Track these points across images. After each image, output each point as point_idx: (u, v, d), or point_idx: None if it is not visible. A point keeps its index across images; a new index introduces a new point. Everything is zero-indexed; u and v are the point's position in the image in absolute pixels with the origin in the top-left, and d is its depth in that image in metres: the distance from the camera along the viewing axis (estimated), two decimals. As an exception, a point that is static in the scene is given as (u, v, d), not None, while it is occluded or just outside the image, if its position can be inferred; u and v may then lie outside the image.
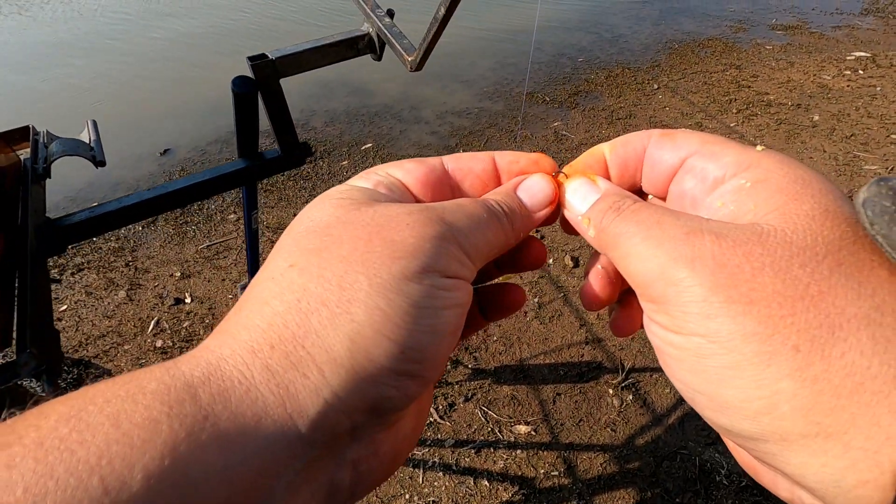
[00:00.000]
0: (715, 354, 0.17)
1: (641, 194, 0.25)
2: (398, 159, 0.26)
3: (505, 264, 0.27)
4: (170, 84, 3.51)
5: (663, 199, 0.24)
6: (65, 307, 1.98)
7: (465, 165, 0.25)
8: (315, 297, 0.18)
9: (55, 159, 0.61)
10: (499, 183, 0.26)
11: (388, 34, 0.61)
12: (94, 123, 0.73)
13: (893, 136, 2.78)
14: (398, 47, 0.61)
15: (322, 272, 0.19)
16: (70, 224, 0.55)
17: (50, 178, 0.61)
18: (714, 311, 0.17)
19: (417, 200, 0.24)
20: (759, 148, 0.21)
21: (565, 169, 0.26)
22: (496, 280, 0.27)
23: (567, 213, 0.25)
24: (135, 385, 0.16)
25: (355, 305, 0.18)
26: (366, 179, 0.24)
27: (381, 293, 0.18)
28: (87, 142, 0.68)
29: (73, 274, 2.12)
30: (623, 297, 0.26)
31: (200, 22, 4.34)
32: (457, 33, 4.02)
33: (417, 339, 0.19)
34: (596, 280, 0.24)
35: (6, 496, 0.14)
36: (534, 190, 0.24)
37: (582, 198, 0.24)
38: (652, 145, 0.23)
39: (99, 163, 0.65)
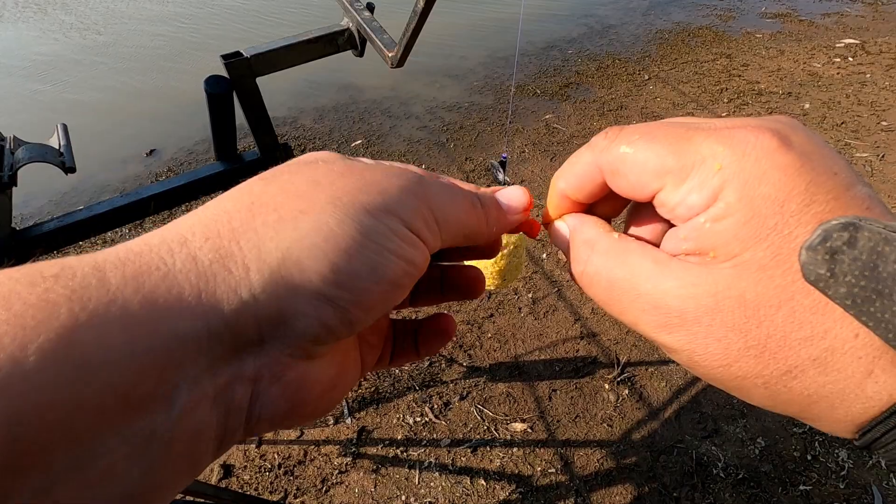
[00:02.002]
0: (713, 382, 0.22)
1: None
2: (389, 156, 0.25)
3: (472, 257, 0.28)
4: (154, 83, 3.45)
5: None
6: (51, 313, 1.94)
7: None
8: (270, 201, 0.18)
9: (21, 166, 0.58)
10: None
11: (367, 29, 0.59)
12: (65, 128, 0.69)
13: (884, 124, 2.78)
14: (378, 43, 0.58)
15: (286, 185, 0.18)
16: (37, 235, 0.53)
17: (16, 185, 0.58)
18: (698, 367, 0.22)
19: None
20: (716, 167, 0.20)
21: (547, 208, 0.27)
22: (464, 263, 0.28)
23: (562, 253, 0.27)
24: (35, 269, 0.15)
25: (306, 216, 0.18)
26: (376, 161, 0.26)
27: (336, 213, 0.18)
28: (57, 147, 0.65)
29: (58, 279, 2.09)
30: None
31: (184, 19, 4.26)
32: (445, 27, 3.98)
33: (354, 268, 0.18)
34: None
35: None
36: (511, 195, 0.26)
37: (562, 241, 0.26)
38: (609, 183, 0.23)
39: (69, 169, 0.62)
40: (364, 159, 0.22)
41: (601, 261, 0.23)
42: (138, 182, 2.64)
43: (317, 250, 0.17)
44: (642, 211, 0.25)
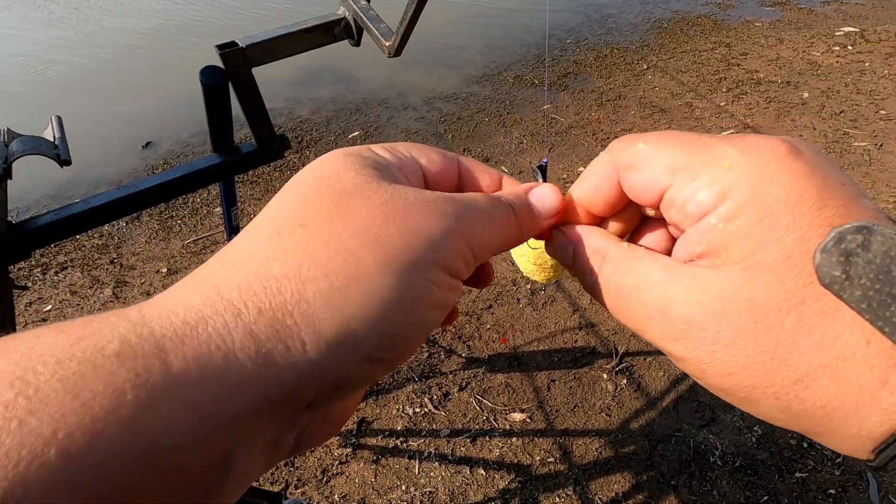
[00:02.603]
0: (721, 394, 0.22)
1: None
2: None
3: None
4: (149, 75, 3.42)
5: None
6: (49, 307, 1.94)
7: (477, 174, 0.26)
8: (319, 267, 0.18)
9: (15, 159, 0.57)
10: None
11: (364, 18, 0.58)
12: (59, 120, 0.69)
13: (882, 113, 2.77)
14: (375, 32, 0.57)
15: (331, 242, 0.18)
16: (34, 228, 0.52)
17: (11, 178, 0.58)
18: (707, 375, 0.21)
19: (429, 187, 0.24)
20: (726, 165, 0.20)
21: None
22: None
23: (561, 262, 0.27)
24: (93, 344, 0.15)
25: (356, 287, 0.18)
26: (391, 154, 0.24)
27: (385, 278, 0.18)
28: (52, 139, 0.64)
29: (56, 273, 2.08)
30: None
31: (178, 10, 4.22)
32: (443, 17, 3.94)
33: (404, 333, 0.19)
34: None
35: None
36: (545, 196, 0.25)
37: (562, 254, 0.26)
38: (624, 181, 0.23)
39: (64, 162, 0.61)
40: (398, 185, 0.21)
41: (611, 269, 0.23)
42: (134, 175, 2.62)
43: (369, 320, 0.18)
44: (648, 229, 0.25)
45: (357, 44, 0.64)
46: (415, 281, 0.19)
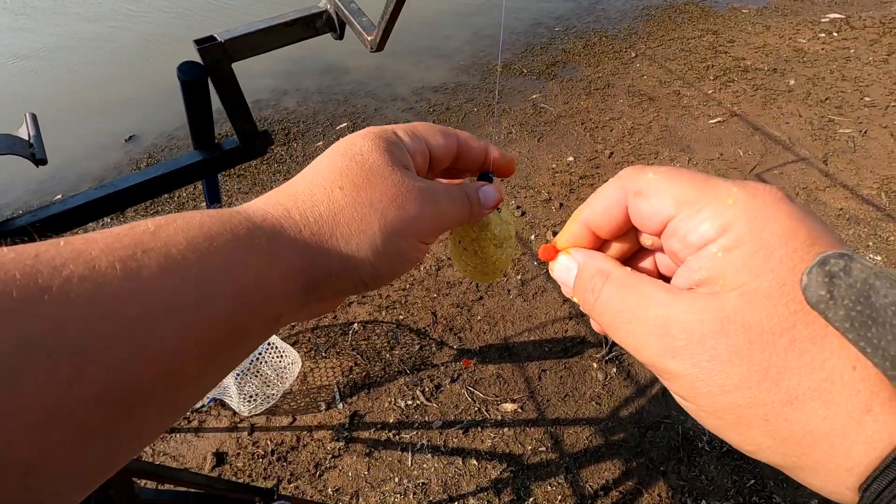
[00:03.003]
0: (710, 418, 0.22)
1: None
2: None
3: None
4: (132, 68, 3.34)
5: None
6: (34, 306, 1.91)
7: (471, 147, 0.35)
8: (346, 218, 0.28)
9: (-12, 160, 0.56)
10: (486, 164, 0.36)
11: (345, 11, 0.57)
12: (34, 117, 0.67)
13: (867, 100, 2.80)
14: (357, 26, 0.56)
15: (356, 204, 0.28)
16: (9, 231, 0.51)
17: (-15, 180, 0.56)
18: (700, 395, 0.22)
19: (433, 163, 0.34)
20: (729, 200, 0.23)
21: (557, 239, 0.31)
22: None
23: (563, 290, 0.29)
24: (230, 223, 0.25)
25: (365, 237, 0.28)
26: (409, 137, 0.32)
27: (381, 237, 0.28)
28: (26, 138, 0.63)
29: (40, 271, 2.05)
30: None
31: (162, 2, 4.12)
32: (429, 6, 3.89)
33: (386, 271, 0.29)
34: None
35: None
36: (490, 194, 0.34)
37: (565, 275, 0.29)
38: (631, 205, 0.26)
39: (39, 161, 0.60)
40: (397, 145, 0.31)
41: (613, 289, 0.25)
42: (118, 169, 2.58)
43: (367, 260, 0.28)
44: (640, 259, 0.29)
45: (340, 37, 0.62)
46: (398, 242, 0.29)
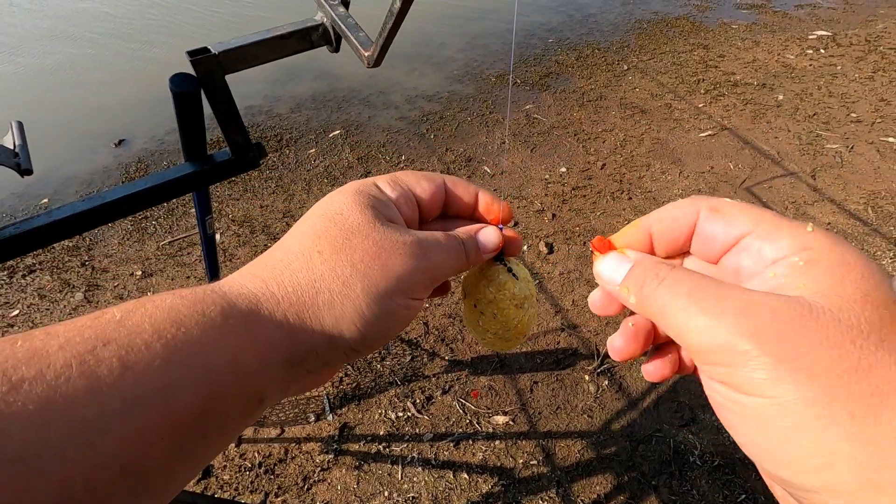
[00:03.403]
0: (780, 416, 0.20)
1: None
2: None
3: None
4: (123, 70, 3.31)
5: (713, 262, 0.28)
6: (16, 312, 1.87)
7: (459, 191, 0.34)
8: (326, 284, 0.27)
9: (-29, 170, 0.54)
10: (476, 210, 0.35)
11: (342, 26, 0.56)
12: (20, 126, 0.65)
13: (853, 115, 2.85)
14: (353, 41, 0.55)
15: (336, 268, 0.27)
16: (-9, 244, 0.49)
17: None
18: (781, 379, 0.20)
19: (422, 211, 0.33)
20: (808, 228, 0.24)
21: (613, 238, 0.30)
22: None
23: (603, 285, 0.28)
24: (204, 307, 0.24)
25: (348, 301, 0.27)
26: (392, 188, 0.32)
27: (366, 300, 0.27)
28: (11, 147, 0.61)
29: (24, 276, 2.00)
30: (659, 347, 0.29)
31: (155, 5, 4.10)
32: (425, 13, 3.91)
33: (376, 334, 0.28)
34: (626, 335, 0.28)
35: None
36: (489, 237, 0.33)
37: (614, 269, 0.28)
38: (703, 220, 0.26)
39: (25, 171, 0.58)
40: (379, 199, 0.30)
41: (684, 274, 0.24)
42: (106, 173, 2.54)
43: (353, 326, 0.27)
44: None
45: (336, 50, 0.62)
46: (385, 303, 0.28)
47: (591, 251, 0.30)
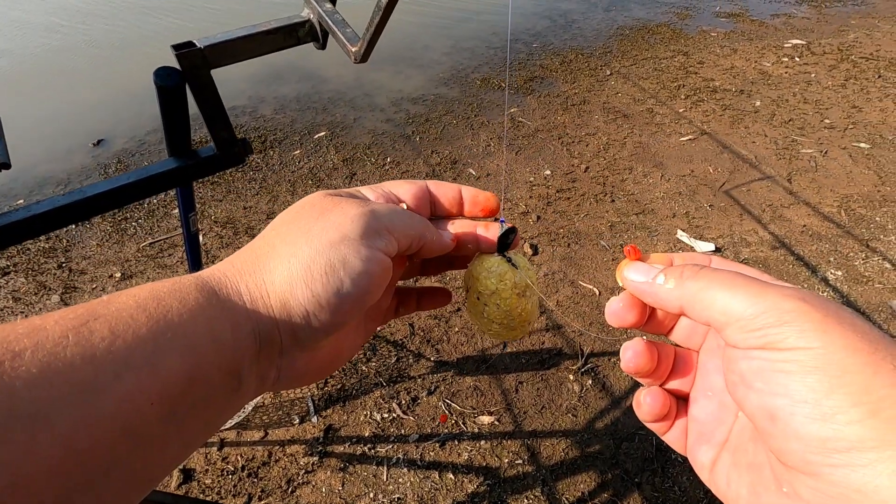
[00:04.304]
0: (829, 363, 0.20)
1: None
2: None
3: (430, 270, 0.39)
4: (102, 68, 3.25)
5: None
6: (-11, 315, 1.82)
7: (443, 190, 0.35)
8: (276, 250, 0.28)
9: (-54, 163, 0.53)
10: (462, 206, 0.35)
11: (329, 21, 0.56)
12: (-2, 119, 0.64)
13: (827, 122, 2.94)
14: (341, 37, 0.56)
15: (285, 236, 0.28)
16: (-33, 238, 0.48)
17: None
18: (828, 329, 0.21)
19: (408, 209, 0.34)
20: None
21: (652, 257, 0.31)
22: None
23: (633, 281, 0.29)
24: (182, 286, 0.25)
25: (294, 259, 0.27)
26: (372, 192, 0.33)
27: (310, 253, 0.27)
28: (-11, 141, 0.60)
29: (-3, 278, 1.95)
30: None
31: (136, 1, 4.03)
32: (410, 16, 3.92)
33: (330, 294, 0.27)
34: (626, 299, 0.30)
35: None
36: (441, 236, 0.33)
37: (646, 270, 0.29)
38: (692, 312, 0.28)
39: (2, 165, 0.57)
40: (352, 194, 0.31)
41: (719, 269, 0.26)
42: (84, 174, 2.49)
43: (303, 284, 0.27)
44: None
45: (323, 47, 0.62)
46: (331, 254, 0.27)
47: (623, 255, 0.30)
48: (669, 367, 0.31)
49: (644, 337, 0.30)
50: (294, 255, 0.27)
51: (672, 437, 0.31)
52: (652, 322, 0.31)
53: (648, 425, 0.32)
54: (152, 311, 0.23)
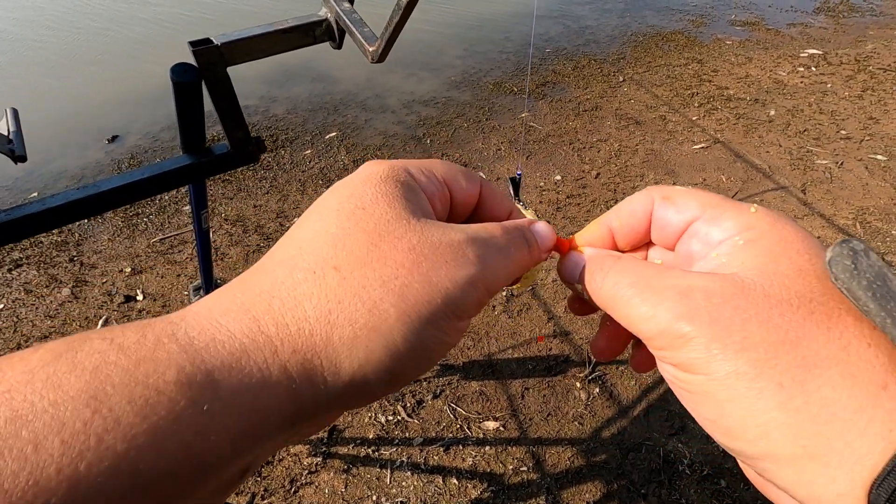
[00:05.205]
0: (717, 390, 0.20)
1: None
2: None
3: None
4: (118, 65, 3.29)
5: (671, 249, 0.28)
6: (1, 306, 1.83)
7: (496, 202, 0.28)
8: (346, 314, 0.20)
9: (-37, 154, 0.53)
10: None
11: (347, 21, 0.56)
12: (15, 113, 0.64)
13: (843, 133, 2.90)
14: (358, 36, 0.55)
15: (360, 289, 0.20)
16: (-18, 229, 0.48)
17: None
18: (713, 357, 0.20)
19: (451, 213, 0.26)
20: (752, 209, 0.25)
21: (575, 236, 0.29)
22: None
23: (566, 284, 0.28)
24: (153, 370, 0.17)
25: (377, 335, 0.20)
26: (426, 178, 0.25)
27: (402, 331, 0.20)
28: (6, 133, 0.60)
29: (9, 270, 1.97)
30: (638, 342, 0.29)
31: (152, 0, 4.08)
32: (423, 19, 3.93)
33: (409, 373, 0.21)
34: (603, 335, 0.29)
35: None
36: (544, 233, 0.27)
37: (573, 267, 0.27)
38: (657, 209, 0.27)
39: (19, 158, 0.57)
40: (425, 224, 0.22)
41: (627, 264, 0.25)
42: (98, 169, 2.51)
43: (383, 367, 0.20)
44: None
45: (339, 47, 0.62)
46: (429, 333, 0.21)
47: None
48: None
49: (608, 322, 0.29)
50: (378, 330, 0.20)
51: None
52: None
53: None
54: (78, 428, 0.15)
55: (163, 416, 0.16)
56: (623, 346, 0.29)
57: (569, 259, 0.28)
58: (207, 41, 0.56)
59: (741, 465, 0.25)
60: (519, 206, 0.32)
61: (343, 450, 1.46)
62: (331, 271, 0.20)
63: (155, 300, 1.88)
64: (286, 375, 0.19)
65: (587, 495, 1.40)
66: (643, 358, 0.28)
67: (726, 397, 0.20)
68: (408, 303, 0.20)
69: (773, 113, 3.07)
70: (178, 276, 1.98)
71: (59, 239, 2.12)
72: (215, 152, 0.63)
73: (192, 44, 0.55)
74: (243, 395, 0.18)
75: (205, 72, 0.55)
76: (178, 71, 0.55)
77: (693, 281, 0.22)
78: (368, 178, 0.23)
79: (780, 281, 0.21)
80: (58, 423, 0.15)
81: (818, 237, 2.24)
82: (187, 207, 2.28)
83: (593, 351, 0.29)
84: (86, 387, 0.15)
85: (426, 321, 0.21)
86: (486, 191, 0.28)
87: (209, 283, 0.96)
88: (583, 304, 0.29)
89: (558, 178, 2.51)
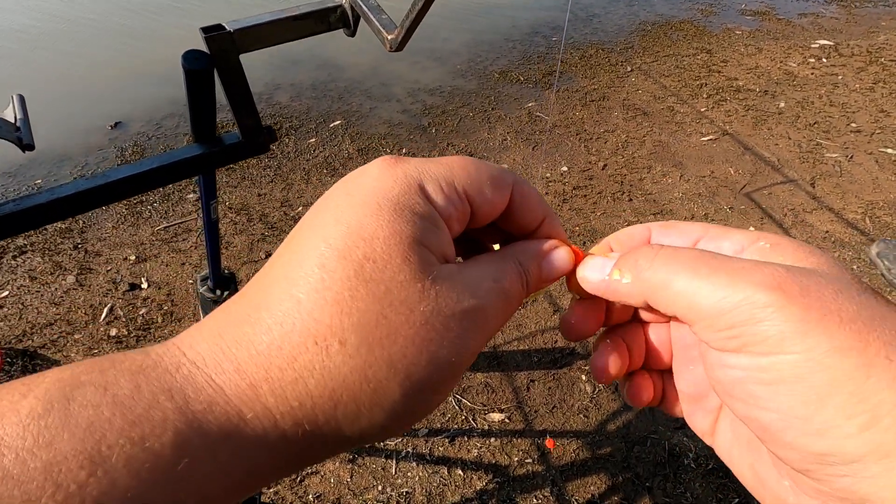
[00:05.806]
0: (814, 372, 0.18)
1: None
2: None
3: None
4: (122, 49, 3.26)
5: None
6: (6, 293, 1.83)
7: (526, 208, 0.26)
8: (350, 394, 0.19)
9: (-29, 142, 0.52)
10: (534, 235, 0.28)
11: (364, 7, 0.54)
12: (22, 99, 0.63)
13: (853, 126, 2.86)
14: (376, 23, 0.54)
15: (367, 369, 0.19)
16: (-9, 219, 0.47)
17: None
18: (811, 330, 0.18)
19: (470, 223, 0.24)
20: (751, 229, 0.26)
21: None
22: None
23: (590, 283, 0.25)
24: (150, 431, 0.16)
25: (380, 409, 0.20)
26: (444, 195, 0.22)
27: (403, 399, 0.20)
28: (12, 121, 0.59)
29: (14, 257, 1.97)
30: (633, 373, 0.28)
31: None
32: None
33: (406, 426, 0.21)
34: (579, 308, 0.27)
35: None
36: (561, 260, 0.26)
37: (600, 266, 0.25)
38: (657, 236, 0.26)
39: (26, 146, 0.56)
40: (437, 286, 0.21)
41: (680, 248, 0.23)
42: (101, 156, 2.50)
43: (381, 427, 0.20)
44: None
45: (353, 34, 0.60)
46: (430, 398, 0.21)
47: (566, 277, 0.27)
48: (643, 350, 0.27)
49: (608, 340, 0.27)
50: (380, 405, 0.20)
51: (666, 407, 0.29)
52: (612, 315, 0.27)
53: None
54: (73, 490, 0.15)
55: (159, 481, 0.16)
56: (598, 325, 0.27)
57: (593, 261, 0.26)
58: (220, 27, 0.54)
59: (747, 471, 0.24)
60: None
61: (349, 440, 1.47)
62: (335, 345, 0.19)
63: (160, 288, 1.88)
64: (285, 442, 0.19)
65: (592, 488, 1.40)
66: (640, 385, 0.27)
67: (828, 379, 0.17)
68: (412, 381, 0.20)
69: (782, 105, 3.03)
70: (183, 264, 1.97)
71: (63, 226, 2.11)
72: (226, 142, 0.61)
73: (205, 30, 0.53)
74: (241, 461, 0.18)
75: (217, 59, 0.53)
76: (190, 58, 0.53)
77: (761, 263, 0.21)
78: (380, 205, 0.20)
79: (829, 271, 0.20)
80: (52, 485, 0.14)
81: (826, 231, 2.21)
82: (191, 196, 2.27)
83: (562, 327, 0.27)
84: (81, 446, 0.15)
85: (430, 391, 0.21)
86: (518, 196, 0.25)
87: (217, 274, 0.95)
88: (585, 316, 0.27)
89: (564, 168, 2.49)
